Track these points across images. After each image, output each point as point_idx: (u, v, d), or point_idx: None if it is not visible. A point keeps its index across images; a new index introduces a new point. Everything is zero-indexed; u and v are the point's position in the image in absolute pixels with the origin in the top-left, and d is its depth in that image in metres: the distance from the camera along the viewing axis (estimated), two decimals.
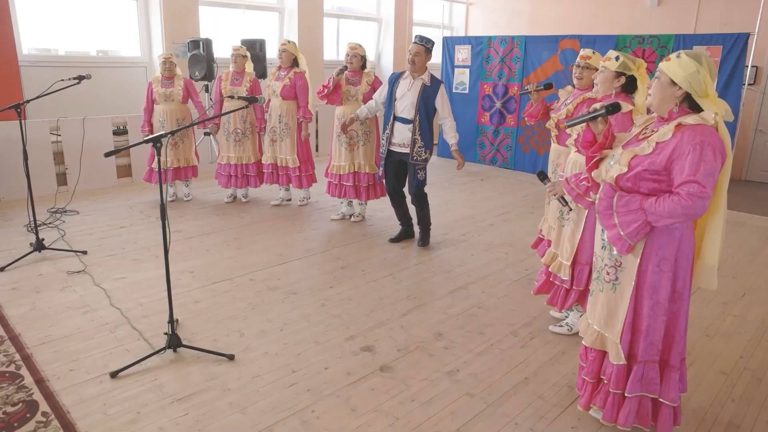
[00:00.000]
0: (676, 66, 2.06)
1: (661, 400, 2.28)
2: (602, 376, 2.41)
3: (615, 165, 2.21)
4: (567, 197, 2.70)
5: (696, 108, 2.09)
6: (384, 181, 4.83)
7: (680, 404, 2.36)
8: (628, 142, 2.26)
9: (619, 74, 2.93)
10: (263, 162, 5.73)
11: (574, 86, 3.52)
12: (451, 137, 4.50)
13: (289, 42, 5.40)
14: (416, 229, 4.94)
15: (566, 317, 3.40)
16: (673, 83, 2.07)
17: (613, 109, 2.38)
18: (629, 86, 2.98)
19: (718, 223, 2.16)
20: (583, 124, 2.50)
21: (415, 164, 4.50)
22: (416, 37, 4.37)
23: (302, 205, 5.92)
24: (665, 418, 2.28)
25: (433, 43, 4.40)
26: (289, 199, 5.98)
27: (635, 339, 2.28)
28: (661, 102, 2.14)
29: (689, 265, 2.20)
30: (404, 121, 4.47)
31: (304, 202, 5.97)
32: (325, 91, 4.96)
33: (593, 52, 3.36)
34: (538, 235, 3.81)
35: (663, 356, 2.28)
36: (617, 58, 2.91)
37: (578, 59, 3.41)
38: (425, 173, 4.58)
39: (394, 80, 4.54)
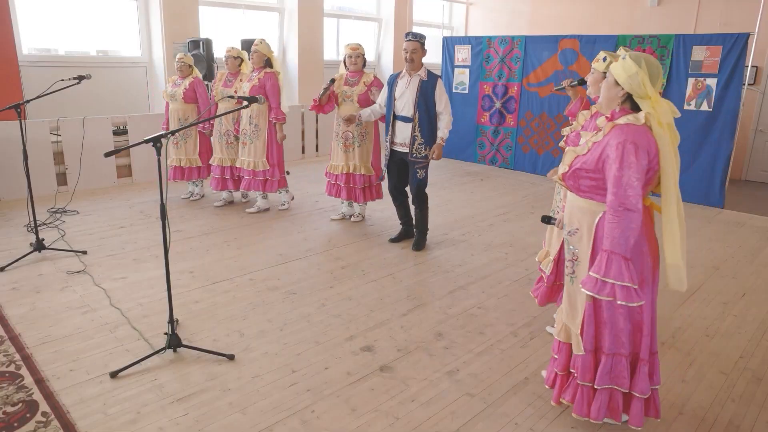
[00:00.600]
0: (619, 67, 2.15)
1: (632, 392, 2.33)
2: (572, 369, 2.47)
3: (562, 165, 2.33)
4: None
5: (637, 108, 2.16)
6: (385, 181, 4.83)
7: (658, 399, 2.40)
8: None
9: (606, 74, 2.93)
10: (236, 166, 5.59)
11: None
12: (442, 130, 4.44)
13: (261, 42, 5.27)
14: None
15: None
16: (617, 83, 2.17)
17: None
18: None
19: (672, 221, 2.19)
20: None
21: (414, 162, 4.50)
22: (409, 34, 4.37)
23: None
24: (636, 410, 2.33)
25: (425, 37, 4.41)
26: (293, 198, 5.89)
27: (600, 332, 2.33)
28: (607, 101, 2.25)
29: (644, 260, 2.23)
30: (405, 119, 4.48)
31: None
32: (315, 103, 4.99)
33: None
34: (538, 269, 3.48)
35: (633, 349, 2.33)
36: (605, 59, 2.92)
37: None
38: (426, 173, 4.56)
39: (393, 81, 4.56)
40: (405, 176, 4.73)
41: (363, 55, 5.03)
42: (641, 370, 2.31)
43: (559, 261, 3.14)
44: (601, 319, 2.31)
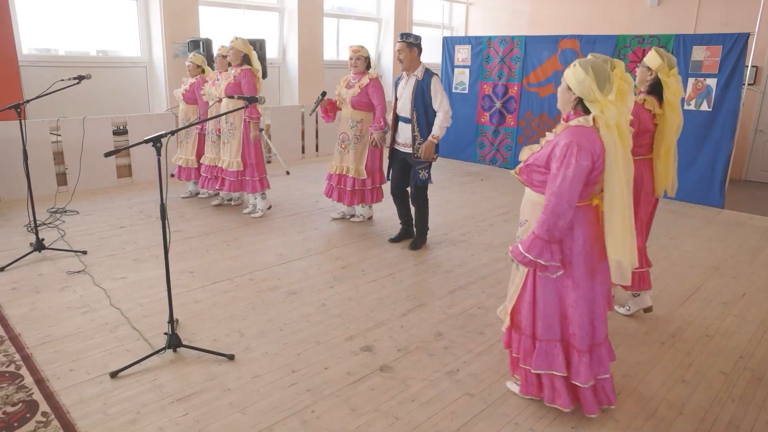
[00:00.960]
0: (571, 74, 2.32)
1: (573, 382, 2.45)
2: (508, 348, 2.67)
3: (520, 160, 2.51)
4: None
5: (589, 111, 2.31)
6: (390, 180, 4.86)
7: (610, 386, 2.50)
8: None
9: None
10: (217, 165, 5.48)
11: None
12: (436, 127, 4.37)
13: (237, 39, 5.15)
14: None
15: None
16: (569, 89, 2.35)
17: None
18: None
19: (616, 218, 2.31)
20: None
21: (417, 162, 4.49)
22: (398, 35, 4.41)
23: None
24: (586, 398, 2.47)
25: (415, 36, 4.40)
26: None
27: (536, 319, 2.47)
28: (563, 105, 2.43)
29: (579, 251, 2.36)
30: (405, 120, 4.49)
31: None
32: (323, 114, 5.14)
33: None
34: None
35: (566, 337, 2.45)
36: None
37: None
38: (428, 173, 4.54)
39: (396, 82, 4.62)
40: (406, 176, 4.72)
41: (365, 57, 4.98)
42: (580, 360, 2.41)
43: None
44: (536, 307, 2.46)
